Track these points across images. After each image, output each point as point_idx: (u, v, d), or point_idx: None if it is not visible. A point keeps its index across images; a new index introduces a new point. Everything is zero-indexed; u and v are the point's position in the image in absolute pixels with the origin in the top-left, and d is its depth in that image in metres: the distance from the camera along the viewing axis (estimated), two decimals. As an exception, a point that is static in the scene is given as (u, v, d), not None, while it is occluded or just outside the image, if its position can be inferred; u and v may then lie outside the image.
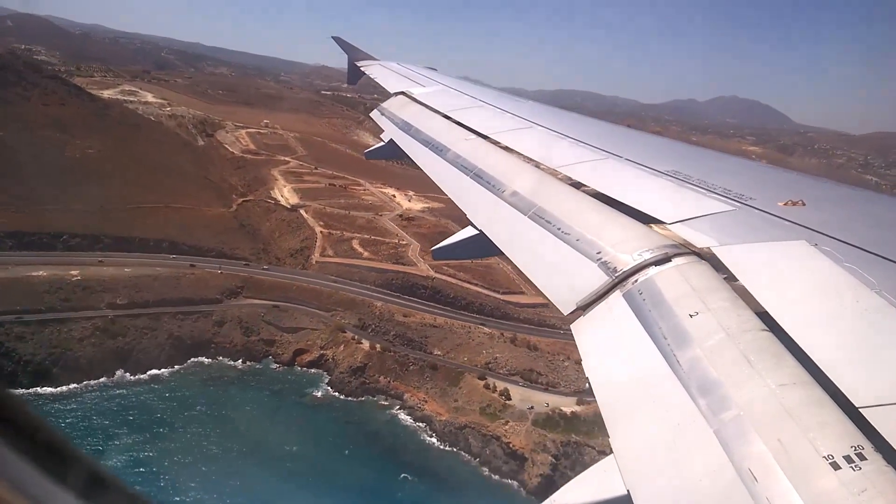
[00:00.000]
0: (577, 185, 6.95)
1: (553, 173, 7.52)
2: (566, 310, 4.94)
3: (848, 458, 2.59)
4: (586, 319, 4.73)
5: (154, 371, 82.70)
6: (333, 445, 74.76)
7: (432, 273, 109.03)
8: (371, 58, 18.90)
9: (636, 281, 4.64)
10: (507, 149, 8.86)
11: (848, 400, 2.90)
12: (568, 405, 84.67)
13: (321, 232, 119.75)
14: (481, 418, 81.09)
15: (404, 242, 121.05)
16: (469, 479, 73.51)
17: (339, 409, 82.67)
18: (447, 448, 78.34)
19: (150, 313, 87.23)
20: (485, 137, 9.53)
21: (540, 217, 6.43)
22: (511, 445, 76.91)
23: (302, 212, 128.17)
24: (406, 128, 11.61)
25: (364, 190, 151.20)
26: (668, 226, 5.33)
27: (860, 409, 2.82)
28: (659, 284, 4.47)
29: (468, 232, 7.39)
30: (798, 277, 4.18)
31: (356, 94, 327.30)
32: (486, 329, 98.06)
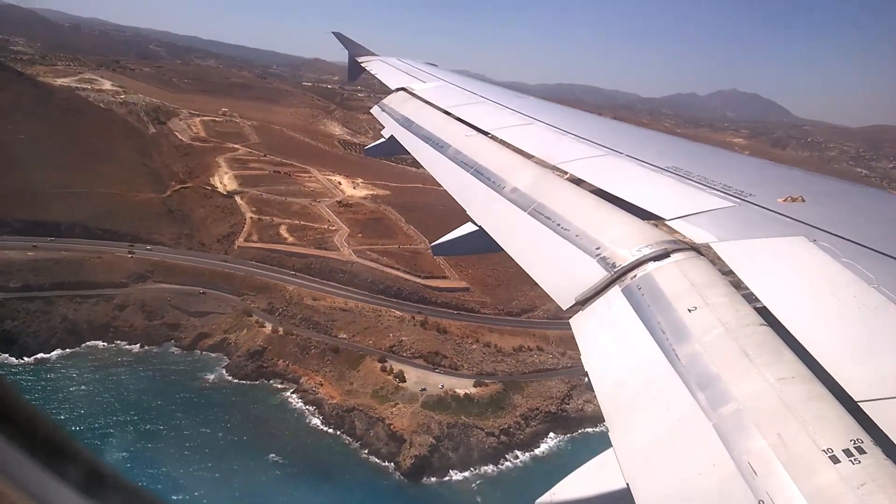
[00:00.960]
0: (577, 182, 6.98)
1: (553, 170, 7.54)
2: (565, 305, 4.95)
3: (847, 452, 2.62)
4: (585, 314, 4.77)
5: (41, 355, 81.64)
6: (210, 428, 73.87)
7: (353, 258, 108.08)
8: (371, 54, 19.06)
9: (635, 276, 4.67)
10: (507, 145, 8.85)
11: (847, 394, 2.93)
12: (464, 387, 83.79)
13: (251, 218, 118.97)
14: (371, 401, 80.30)
15: (334, 228, 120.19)
16: (343, 461, 72.51)
17: (229, 393, 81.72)
18: (330, 431, 77.45)
19: (45, 297, 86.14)
20: (485, 133, 9.53)
21: (540, 213, 6.49)
22: (392, 427, 75.86)
23: (237, 198, 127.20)
24: (406, 124, 11.66)
25: (310, 177, 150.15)
26: (667, 222, 5.37)
27: (859, 404, 2.84)
28: (658, 280, 4.50)
29: (468, 228, 7.44)
30: (797, 273, 4.18)
31: (337, 85, 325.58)
32: (398, 312, 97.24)
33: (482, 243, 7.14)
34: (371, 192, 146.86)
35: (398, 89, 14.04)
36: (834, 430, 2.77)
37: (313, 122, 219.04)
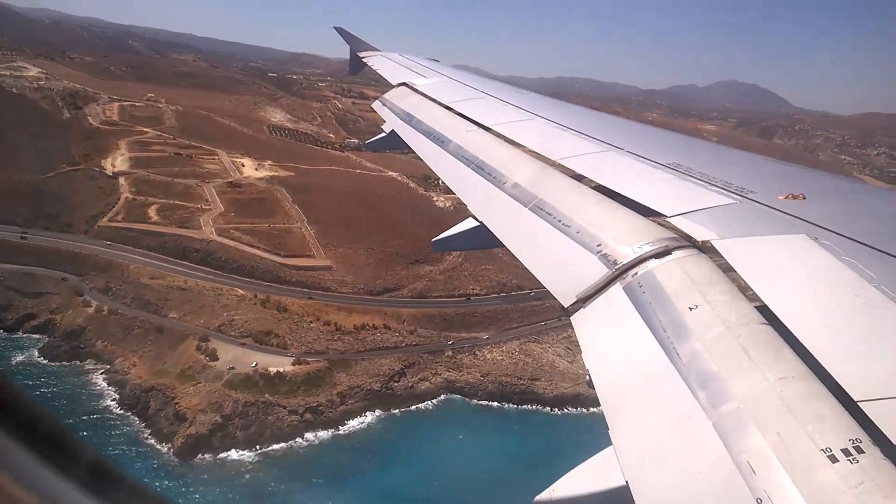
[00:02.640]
0: (578, 178, 6.95)
1: (554, 165, 7.51)
2: (566, 302, 4.93)
3: (846, 452, 2.63)
4: (586, 312, 4.73)
5: None
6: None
7: (212, 237, 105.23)
8: (373, 48, 19.03)
9: (636, 273, 4.67)
10: (508, 140, 8.81)
11: (846, 393, 2.93)
12: (281, 365, 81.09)
13: (126, 198, 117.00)
14: (175, 381, 77.49)
15: (207, 208, 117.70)
16: (118, 443, 69.24)
17: (32, 375, 77.91)
18: (121, 412, 74.62)
19: None
20: (486, 129, 9.48)
21: (540, 209, 6.45)
22: (179, 407, 72.59)
23: (122, 179, 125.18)
24: (407, 118, 11.67)
25: (214, 159, 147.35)
26: (668, 219, 5.31)
27: (858, 403, 2.85)
28: (659, 277, 4.50)
29: (469, 223, 7.38)
30: (797, 271, 4.18)
31: (300, 74, 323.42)
32: (241, 291, 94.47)
33: (483, 239, 7.05)
34: (273, 174, 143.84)
35: (399, 84, 13.98)
36: (833, 429, 2.78)
37: (254, 108, 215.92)
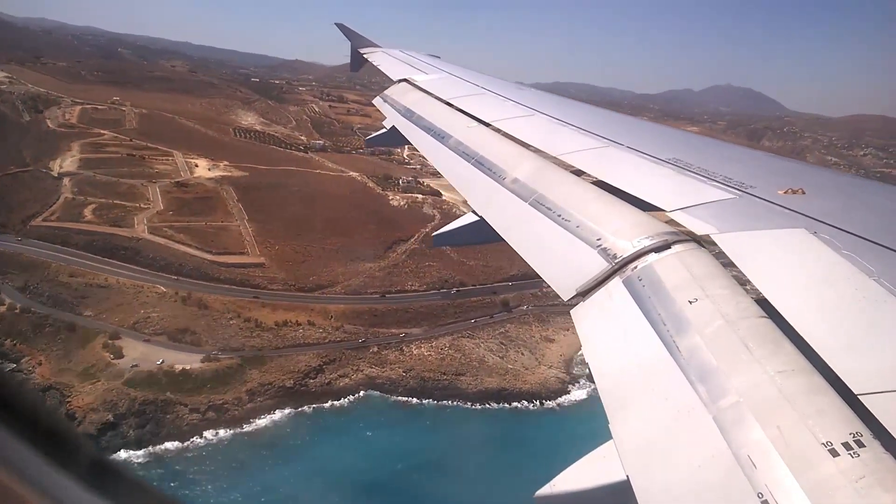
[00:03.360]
0: (578, 173, 6.97)
1: (554, 161, 7.51)
2: (566, 296, 4.93)
3: (846, 445, 2.62)
4: (586, 306, 4.72)
5: None
6: None
7: (143, 235, 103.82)
8: (374, 45, 18.98)
9: (636, 267, 4.66)
10: (508, 136, 8.83)
11: (847, 387, 2.93)
12: (189, 363, 79.02)
13: (66, 198, 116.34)
14: (75, 379, 75.59)
15: (146, 207, 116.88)
16: None
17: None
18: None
19: None
20: (487, 125, 9.52)
21: (540, 204, 6.44)
22: (71, 406, 70.63)
23: (66, 180, 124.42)
24: (408, 114, 11.69)
25: (167, 160, 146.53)
26: (668, 213, 5.34)
27: (859, 397, 2.84)
28: (658, 271, 4.50)
29: (469, 218, 7.43)
30: (797, 265, 4.19)
31: (285, 79, 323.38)
32: (162, 288, 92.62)
33: (483, 233, 7.01)
34: (226, 174, 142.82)
35: (400, 80, 13.99)
36: (833, 423, 2.77)
37: (225, 112, 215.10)
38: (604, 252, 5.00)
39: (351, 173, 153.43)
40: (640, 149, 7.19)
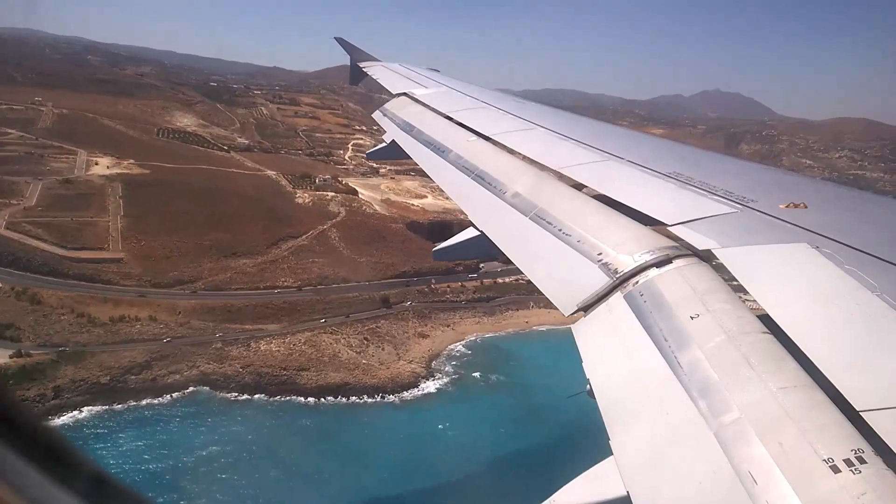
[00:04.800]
0: (579, 187, 6.96)
1: (554, 175, 7.51)
2: (567, 311, 4.89)
3: (848, 462, 2.61)
4: (587, 320, 4.71)
5: None
6: None
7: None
8: (373, 58, 19.16)
9: (637, 282, 4.65)
10: (508, 150, 8.87)
11: (848, 403, 2.91)
12: (-3, 358, 73.60)
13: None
14: None
15: (16, 203, 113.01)
16: None
17: None
18: None
19: None
20: (487, 139, 9.57)
21: (541, 218, 6.44)
22: None
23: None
24: (408, 128, 11.75)
25: (69, 158, 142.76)
26: (669, 227, 5.31)
27: (860, 413, 2.83)
28: (660, 286, 4.48)
29: (469, 233, 7.37)
30: (799, 280, 4.15)
31: (245, 83, 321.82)
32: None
33: (484, 248, 7.05)
34: (123, 172, 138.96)
35: (400, 94, 14.11)
36: (835, 439, 2.75)
37: (159, 113, 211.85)
38: (605, 267, 4.99)
39: (268, 172, 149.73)
40: (641, 162, 7.19)
